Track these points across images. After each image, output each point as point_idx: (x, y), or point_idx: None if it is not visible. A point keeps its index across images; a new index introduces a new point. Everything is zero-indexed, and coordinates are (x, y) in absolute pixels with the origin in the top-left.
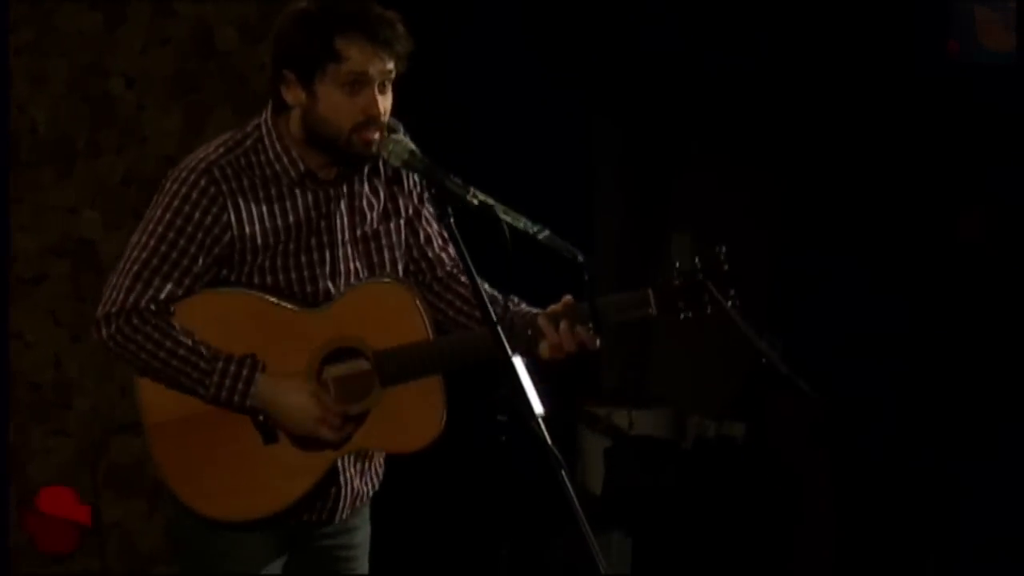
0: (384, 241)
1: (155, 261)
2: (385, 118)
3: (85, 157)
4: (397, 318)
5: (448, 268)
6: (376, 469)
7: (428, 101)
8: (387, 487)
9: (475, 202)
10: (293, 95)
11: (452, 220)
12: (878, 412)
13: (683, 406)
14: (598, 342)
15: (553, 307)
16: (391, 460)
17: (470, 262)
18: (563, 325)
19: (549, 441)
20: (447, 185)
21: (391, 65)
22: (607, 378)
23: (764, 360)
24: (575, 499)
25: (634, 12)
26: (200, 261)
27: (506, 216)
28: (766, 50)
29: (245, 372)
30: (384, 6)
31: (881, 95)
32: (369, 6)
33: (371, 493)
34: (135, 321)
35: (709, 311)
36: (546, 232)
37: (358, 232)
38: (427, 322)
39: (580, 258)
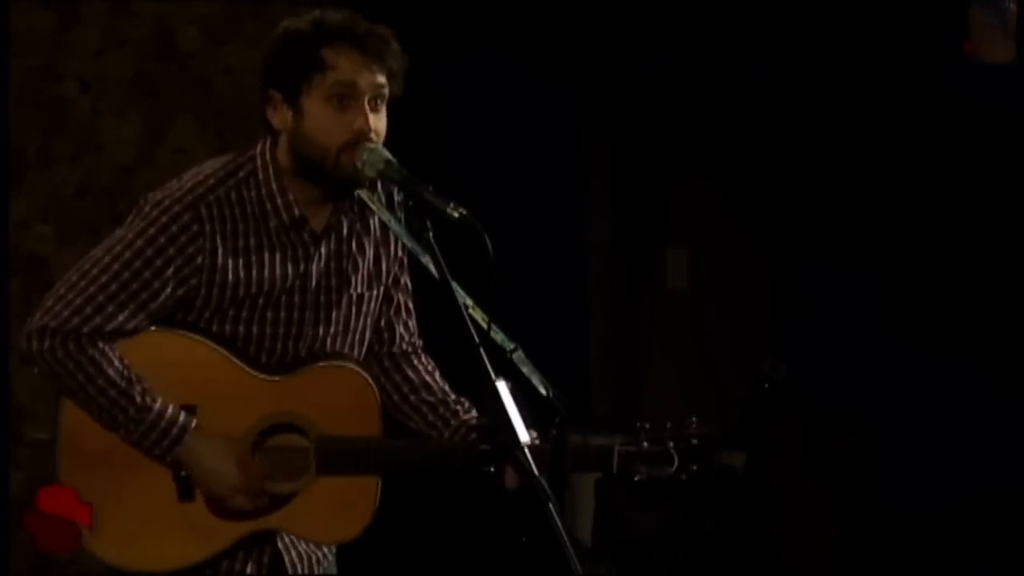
0: (365, 307)
1: (114, 287)
2: (378, 139)
3: (37, 167)
4: (351, 407)
5: (404, 346)
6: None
7: (410, 108)
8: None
9: (455, 215)
10: (280, 117)
11: (431, 235)
12: (890, 442)
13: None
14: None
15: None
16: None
17: (450, 278)
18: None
19: (535, 472)
20: (426, 197)
21: (382, 79)
22: (597, 405)
23: (767, 385)
24: (563, 533)
25: (626, 16)
26: (160, 298)
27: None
28: (766, 55)
29: (175, 431)
30: (371, 17)
31: (887, 101)
32: (359, 20)
33: (328, 554)
34: (71, 346)
35: (667, 480)
36: (520, 353)
37: (341, 295)
38: (380, 419)
39: (551, 394)
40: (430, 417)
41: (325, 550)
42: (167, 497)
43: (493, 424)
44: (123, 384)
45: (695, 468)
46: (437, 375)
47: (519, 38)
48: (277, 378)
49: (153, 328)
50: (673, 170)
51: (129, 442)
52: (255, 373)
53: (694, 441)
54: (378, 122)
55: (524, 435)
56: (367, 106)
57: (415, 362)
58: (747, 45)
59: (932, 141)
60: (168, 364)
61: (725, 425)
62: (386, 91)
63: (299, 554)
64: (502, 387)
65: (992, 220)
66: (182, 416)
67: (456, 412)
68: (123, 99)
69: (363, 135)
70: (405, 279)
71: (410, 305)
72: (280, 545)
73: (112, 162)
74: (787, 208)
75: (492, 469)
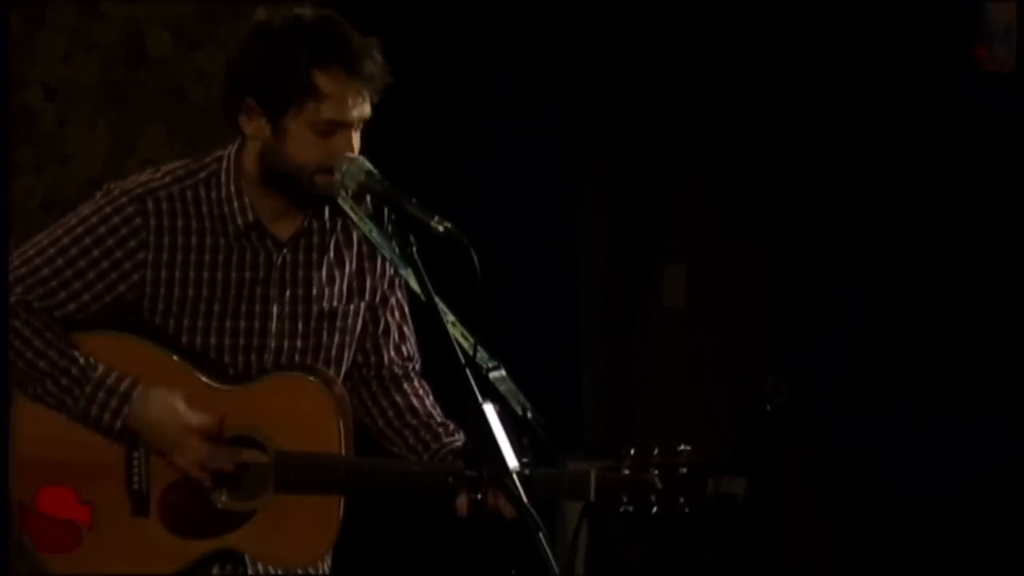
0: (339, 323)
1: (45, 271)
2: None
3: None
4: (311, 421)
5: (395, 370)
6: None
7: (399, 119)
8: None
9: (441, 229)
10: (254, 127)
11: (415, 249)
12: (895, 466)
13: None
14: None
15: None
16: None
17: (433, 294)
18: (488, 492)
19: (525, 499)
20: (409, 210)
21: (369, 110)
22: (591, 428)
23: (768, 407)
24: (553, 564)
25: (621, 28)
26: (93, 289)
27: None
28: (765, 69)
29: (123, 387)
30: (358, 25)
31: (890, 114)
32: (346, 31)
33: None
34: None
35: (654, 512)
36: (500, 371)
37: (309, 307)
38: (342, 435)
39: (528, 414)
40: (411, 440)
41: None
42: (120, 514)
43: (480, 449)
44: (62, 346)
45: (682, 500)
46: (428, 400)
47: (512, 49)
48: (233, 387)
49: (113, 333)
50: (670, 184)
51: (75, 413)
52: (212, 383)
53: (682, 470)
54: (357, 143)
55: (513, 460)
56: (353, 136)
57: (405, 386)
58: (746, 58)
59: (937, 156)
60: (124, 366)
61: (722, 452)
62: (368, 112)
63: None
64: (489, 410)
65: (997, 238)
66: (129, 379)
67: (438, 435)
68: (90, 107)
69: (341, 158)
70: (396, 299)
71: (404, 328)
72: (251, 567)
73: (79, 173)
74: (787, 223)
75: (479, 496)
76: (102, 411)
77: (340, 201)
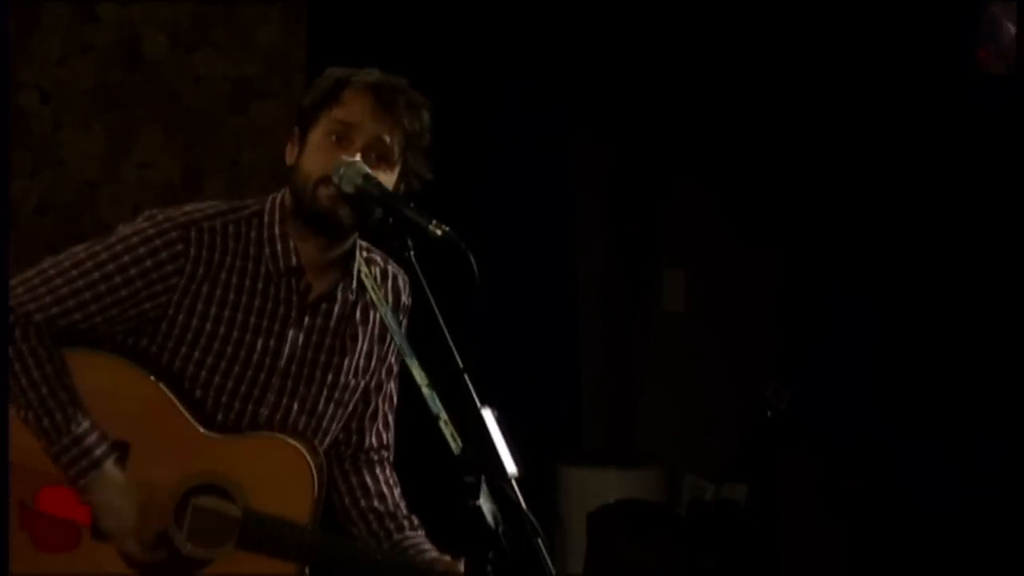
0: (338, 395)
1: (87, 295)
2: None
3: None
4: (286, 487)
5: (372, 455)
6: None
7: None
8: None
9: (438, 233)
10: (291, 153)
11: (412, 253)
12: (900, 473)
13: (676, 466)
14: None
15: (451, 562)
16: None
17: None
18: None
19: (523, 505)
20: (406, 214)
21: (387, 136)
22: (590, 435)
23: (770, 413)
24: (552, 570)
25: (621, 31)
26: (124, 306)
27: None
28: (766, 71)
29: (97, 453)
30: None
31: (893, 117)
32: (394, 78)
33: None
34: (25, 332)
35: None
36: (490, 415)
37: (314, 373)
38: (314, 507)
39: (500, 528)
40: (374, 526)
41: None
42: (82, 532)
43: (478, 455)
44: (56, 385)
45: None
46: (396, 491)
47: (512, 53)
48: (218, 436)
49: (111, 355)
50: (670, 187)
51: (48, 452)
52: (197, 426)
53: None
54: (383, 176)
55: (512, 466)
56: (363, 152)
57: (377, 472)
58: (746, 61)
59: (941, 160)
60: (114, 394)
61: (722, 458)
62: (391, 153)
63: None
64: (488, 415)
65: (1003, 242)
66: (105, 445)
67: (401, 526)
68: (86, 110)
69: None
70: (390, 388)
71: (389, 417)
72: None
73: (74, 177)
74: (789, 226)
75: (475, 503)
76: (70, 466)
77: (363, 276)
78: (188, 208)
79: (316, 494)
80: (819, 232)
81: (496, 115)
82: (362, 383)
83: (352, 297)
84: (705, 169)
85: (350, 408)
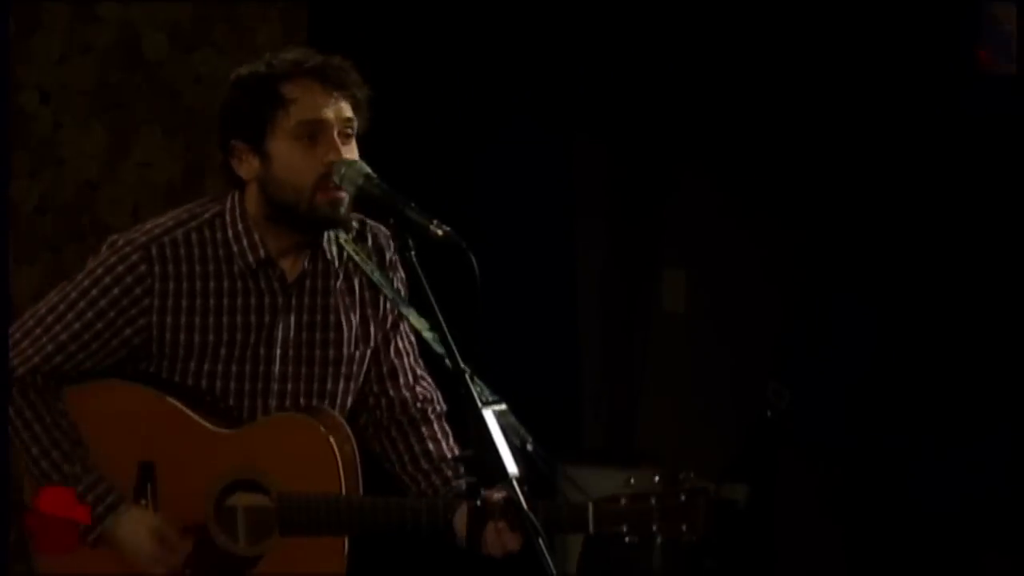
0: (345, 369)
1: (64, 337)
2: None
3: None
4: (311, 462)
5: (412, 412)
6: None
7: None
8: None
9: (439, 233)
10: (246, 167)
11: (413, 253)
12: (899, 475)
13: (676, 465)
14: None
15: (487, 494)
16: None
17: (434, 301)
18: (491, 527)
19: (524, 505)
20: (407, 214)
21: (348, 111)
22: (590, 435)
23: (770, 413)
24: (553, 570)
25: (620, 30)
26: (110, 345)
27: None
28: (767, 71)
29: (99, 510)
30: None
31: (898, 114)
32: (312, 52)
33: None
34: (13, 391)
35: (658, 542)
36: (502, 406)
37: (312, 352)
38: (342, 475)
39: (529, 446)
40: (423, 486)
41: None
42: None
43: (479, 455)
44: (57, 435)
45: (685, 528)
46: (444, 443)
47: (512, 53)
48: (233, 431)
49: (115, 381)
50: (669, 187)
51: None
52: (212, 426)
53: (682, 498)
54: (349, 154)
55: (512, 467)
56: (337, 139)
57: (422, 430)
58: (746, 61)
59: (941, 160)
60: (127, 418)
61: (722, 459)
62: (354, 124)
63: None
64: (489, 416)
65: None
66: (110, 497)
67: (446, 478)
68: (86, 110)
69: (338, 162)
70: (399, 343)
71: (416, 371)
72: None
73: (74, 177)
74: (790, 226)
75: (479, 502)
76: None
77: (343, 242)
78: (148, 226)
79: (341, 462)
80: (819, 232)
81: (496, 115)
82: (368, 350)
83: (332, 266)
84: (705, 169)
85: (362, 378)
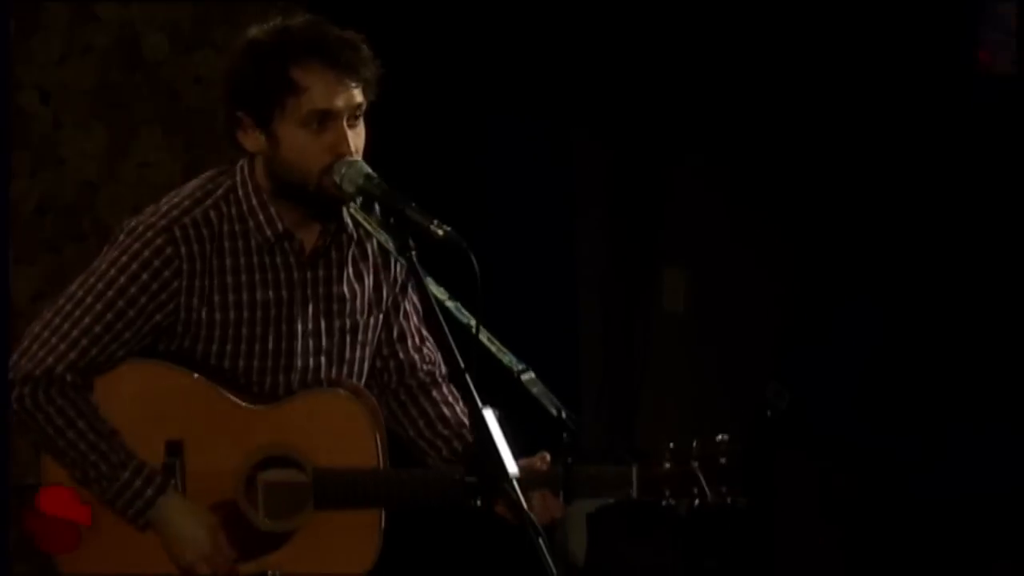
0: (361, 337)
1: (98, 329)
2: (357, 156)
3: None
4: (347, 436)
5: (421, 375)
6: None
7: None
8: None
9: (440, 233)
10: (252, 140)
11: (414, 254)
12: (900, 477)
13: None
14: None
15: (527, 461)
16: None
17: (434, 303)
18: (536, 496)
19: (524, 505)
20: (408, 214)
21: (359, 96)
22: (590, 434)
23: (769, 413)
24: (553, 570)
25: (621, 30)
26: (138, 328)
27: (491, 346)
28: (767, 70)
29: (149, 492)
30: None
31: (898, 113)
32: (326, 29)
33: None
34: (52, 391)
35: (697, 504)
36: (530, 374)
37: (332, 323)
38: (380, 448)
39: (563, 414)
40: (444, 452)
41: None
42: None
43: (480, 455)
44: (93, 437)
45: (724, 491)
46: (458, 406)
47: (512, 52)
48: (266, 407)
49: (138, 360)
50: (669, 187)
51: (102, 500)
52: (243, 403)
53: (722, 460)
54: (356, 139)
55: (512, 467)
56: (345, 124)
57: (433, 394)
58: (746, 60)
59: (941, 160)
60: (153, 397)
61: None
62: (363, 106)
63: None
64: (489, 415)
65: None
66: (158, 479)
67: (470, 444)
68: (86, 110)
69: (344, 156)
70: (407, 305)
71: (422, 332)
72: None
73: (74, 177)
74: (790, 225)
75: (479, 503)
76: (126, 508)
77: (352, 211)
78: (164, 208)
79: (378, 435)
80: (819, 232)
81: (496, 115)
82: (380, 315)
83: (344, 237)
84: (705, 169)
85: (378, 344)
